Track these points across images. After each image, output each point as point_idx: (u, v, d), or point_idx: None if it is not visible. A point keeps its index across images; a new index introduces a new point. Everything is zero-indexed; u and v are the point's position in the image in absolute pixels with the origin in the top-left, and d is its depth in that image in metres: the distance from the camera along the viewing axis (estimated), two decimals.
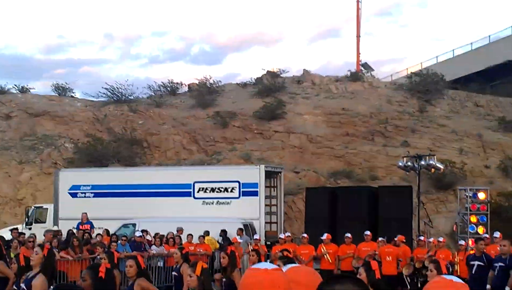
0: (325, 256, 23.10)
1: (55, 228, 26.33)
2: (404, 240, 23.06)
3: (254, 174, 30.44)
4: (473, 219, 28.04)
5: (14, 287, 11.68)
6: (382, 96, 49.66)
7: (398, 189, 30.23)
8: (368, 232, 23.34)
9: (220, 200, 30.71)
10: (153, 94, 54.89)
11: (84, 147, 44.25)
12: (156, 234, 26.27)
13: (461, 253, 21.25)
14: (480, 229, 27.55)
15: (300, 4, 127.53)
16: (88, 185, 32.79)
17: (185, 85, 56.93)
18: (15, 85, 56.67)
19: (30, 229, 31.03)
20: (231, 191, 30.56)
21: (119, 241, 23.60)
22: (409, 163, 29.47)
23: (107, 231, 26.59)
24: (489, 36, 61.70)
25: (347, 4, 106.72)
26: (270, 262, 8.51)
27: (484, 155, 40.59)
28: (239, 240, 24.36)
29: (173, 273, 15.64)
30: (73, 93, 58.86)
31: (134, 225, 29.34)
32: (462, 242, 22.78)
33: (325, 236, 23.36)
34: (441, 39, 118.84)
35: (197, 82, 55.23)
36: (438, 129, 43.59)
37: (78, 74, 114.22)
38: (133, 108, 50.52)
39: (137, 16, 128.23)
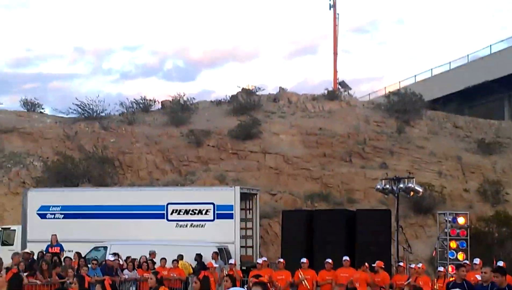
0: (303, 282, 22.55)
1: (28, 250, 25.39)
2: (383, 266, 22.62)
3: (229, 195, 29.76)
4: (453, 244, 27.74)
5: None
6: (360, 115, 49.33)
7: (377, 213, 29.80)
8: (346, 257, 22.98)
9: (194, 223, 29.99)
10: (125, 111, 53.94)
11: (54, 166, 43.24)
12: (128, 257, 25.64)
13: (441, 280, 20.96)
14: (460, 255, 27.26)
15: (276, 20, 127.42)
16: (58, 206, 31.87)
17: (158, 102, 56.21)
18: None
19: None
20: (206, 213, 29.86)
21: (89, 265, 22.88)
22: (387, 186, 28.95)
23: (78, 254, 25.66)
24: (468, 55, 62.09)
25: (324, 20, 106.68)
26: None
27: (463, 178, 40.37)
28: (215, 265, 23.65)
29: None
30: (43, 109, 57.97)
31: (105, 248, 28.69)
32: (441, 269, 22.52)
33: (304, 261, 22.80)
34: (419, 58, 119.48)
35: (170, 99, 54.67)
36: (417, 151, 43.28)
37: (48, 89, 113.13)
38: (105, 125, 49.65)
39: (108, 29, 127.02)
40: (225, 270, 22.15)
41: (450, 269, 25.41)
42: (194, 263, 26.95)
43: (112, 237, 29.50)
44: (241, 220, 30.25)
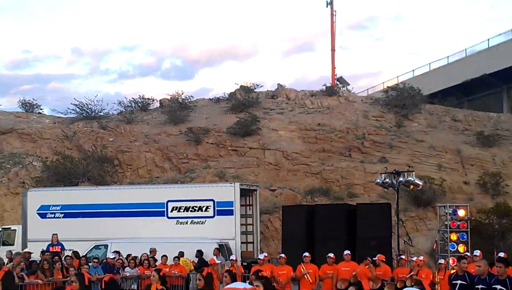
0: (305, 276, 22.43)
1: (28, 249, 25.34)
2: (384, 259, 22.52)
3: (229, 192, 29.69)
4: (453, 237, 27.65)
5: None
6: (359, 111, 49.27)
7: (377, 207, 29.64)
8: (347, 252, 22.83)
9: (195, 220, 29.93)
10: (123, 110, 54.00)
11: (53, 166, 43.23)
12: (129, 255, 25.57)
13: (442, 272, 20.91)
14: (461, 248, 27.21)
15: (274, 18, 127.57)
16: (58, 205, 31.85)
17: (157, 100, 56.34)
18: None
19: None
20: (206, 210, 29.79)
21: (90, 263, 22.81)
22: (387, 180, 28.94)
23: (75, 253, 25.50)
24: (465, 49, 62.03)
25: (322, 17, 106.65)
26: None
27: (463, 170, 40.32)
28: (217, 261, 23.57)
29: None
30: (41, 109, 58.30)
31: (106, 246, 28.62)
32: (442, 261, 22.38)
33: (306, 255, 22.74)
34: (417, 52, 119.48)
35: (168, 97, 54.68)
36: (416, 145, 43.20)
37: (46, 89, 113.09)
38: (103, 124, 49.65)
39: (105, 30, 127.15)
40: (226, 266, 22.05)
41: (450, 261, 25.42)
42: (195, 260, 26.86)
43: (113, 235, 29.48)
44: (242, 216, 30.18)
